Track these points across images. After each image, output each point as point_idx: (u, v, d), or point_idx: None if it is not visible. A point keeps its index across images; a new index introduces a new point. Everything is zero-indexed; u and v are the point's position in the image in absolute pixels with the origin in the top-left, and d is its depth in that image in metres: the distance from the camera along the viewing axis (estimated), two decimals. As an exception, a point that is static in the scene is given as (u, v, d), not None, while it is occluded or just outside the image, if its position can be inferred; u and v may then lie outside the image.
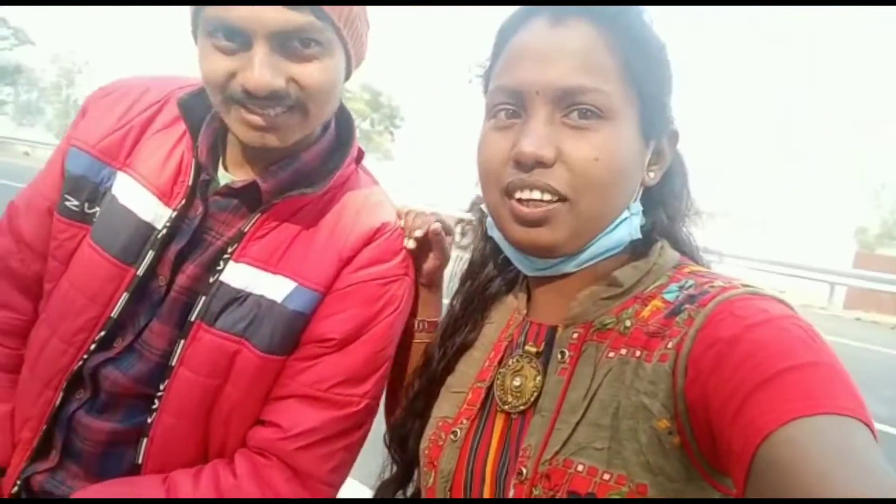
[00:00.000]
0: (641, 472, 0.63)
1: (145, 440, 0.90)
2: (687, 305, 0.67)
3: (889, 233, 27.26)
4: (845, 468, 0.46)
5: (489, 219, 0.82)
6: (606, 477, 0.64)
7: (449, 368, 0.88)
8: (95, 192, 0.94)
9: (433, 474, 0.80)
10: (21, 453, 0.94)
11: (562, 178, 0.70)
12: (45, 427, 0.92)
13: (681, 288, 0.70)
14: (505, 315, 0.87)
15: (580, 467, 0.65)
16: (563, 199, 0.70)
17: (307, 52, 0.82)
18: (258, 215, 0.92)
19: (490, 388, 0.80)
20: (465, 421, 0.80)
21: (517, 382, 0.76)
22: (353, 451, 0.96)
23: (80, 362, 0.91)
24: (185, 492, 0.86)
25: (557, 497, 0.65)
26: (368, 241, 0.95)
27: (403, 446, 0.92)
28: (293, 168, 0.93)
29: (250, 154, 0.94)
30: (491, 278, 0.90)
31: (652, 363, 0.65)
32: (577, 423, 0.68)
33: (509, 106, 0.74)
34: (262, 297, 0.90)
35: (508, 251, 0.81)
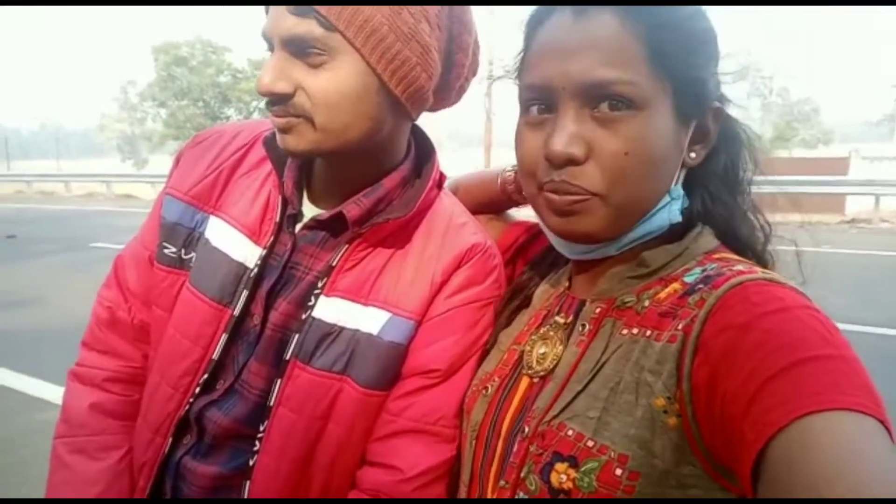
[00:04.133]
0: (626, 443, 0.64)
1: (248, 483, 0.88)
2: (700, 286, 0.67)
3: (782, 135, 28.94)
4: (856, 468, 0.46)
5: None
6: (590, 444, 0.66)
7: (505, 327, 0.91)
8: (190, 237, 0.96)
9: (466, 421, 0.85)
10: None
11: (593, 176, 0.70)
12: (155, 474, 0.93)
13: (703, 271, 0.70)
14: (552, 286, 0.90)
15: (570, 432, 0.68)
16: (594, 194, 0.71)
17: (313, 59, 0.79)
18: (346, 247, 0.91)
19: (523, 352, 0.83)
20: (496, 379, 0.84)
21: (542, 350, 0.80)
22: None
23: (187, 406, 0.91)
24: None
25: (544, 455, 0.68)
26: (459, 265, 0.93)
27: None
28: (376, 196, 0.91)
29: (334, 185, 0.94)
30: (551, 249, 0.91)
31: (661, 343, 0.66)
32: (580, 392, 0.70)
33: (540, 102, 0.74)
34: (357, 331, 0.89)
35: (550, 237, 0.84)
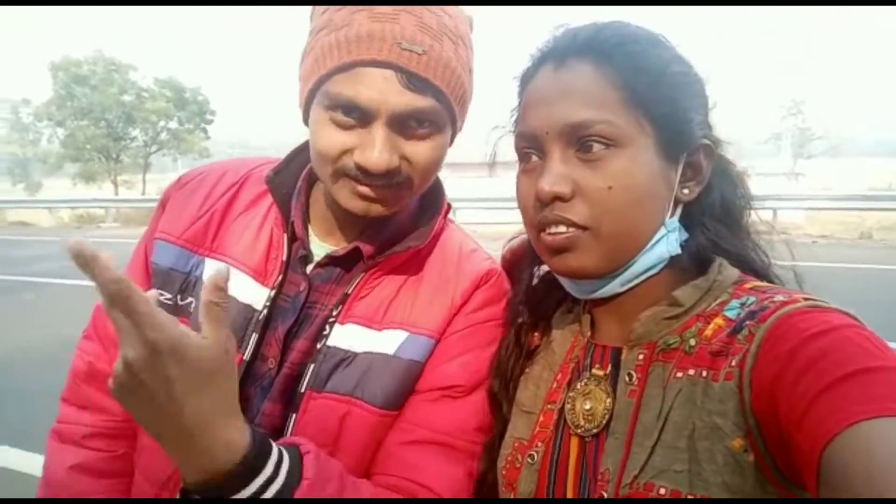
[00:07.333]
0: (720, 493, 0.64)
1: None
2: (747, 322, 0.68)
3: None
4: None
5: None
6: (690, 499, 0.65)
7: (516, 384, 0.89)
8: (186, 282, 0.93)
9: (512, 495, 0.82)
10: None
11: (580, 210, 0.74)
12: None
13: (742, 305, 0.71)
14: (568, 336, 0.88)
15: (662, 490, 0.66)
16: (584, 228, 0.74)
17: (421, 132, 0.83)
18: (361, 275, 0.91)
19: (561, 411, 0.81)
20: (540, 444, 0.81)
21: (588, 406, 0.78)
22: None
23: None
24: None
25: None
26: (478, 286, 0.95)
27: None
28: (390, 229, 0.94)
29: (341, 223, 0.94)
30: (556, 299, 0.92)
31: (719, 382, 0.67)
32: (654, 446, 0.69)
33: (530, 150, 0.79)
34: (370, 352, 0.88)
35: (559, 278, 0.84)
